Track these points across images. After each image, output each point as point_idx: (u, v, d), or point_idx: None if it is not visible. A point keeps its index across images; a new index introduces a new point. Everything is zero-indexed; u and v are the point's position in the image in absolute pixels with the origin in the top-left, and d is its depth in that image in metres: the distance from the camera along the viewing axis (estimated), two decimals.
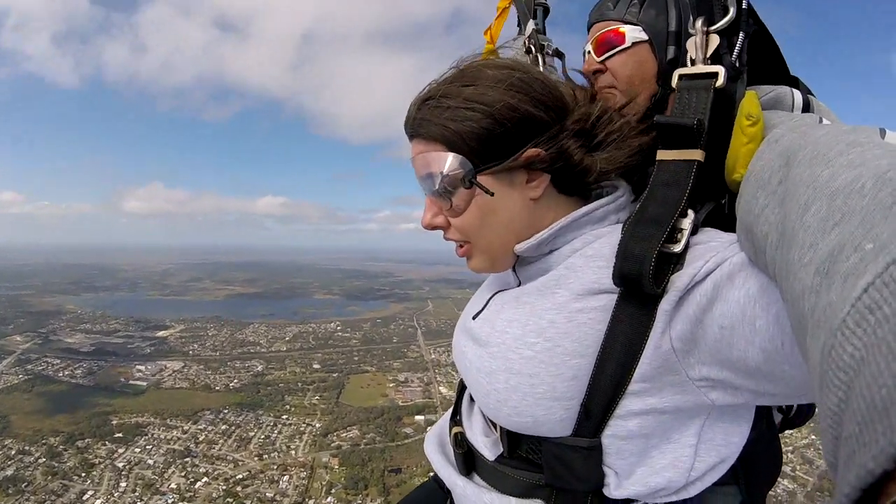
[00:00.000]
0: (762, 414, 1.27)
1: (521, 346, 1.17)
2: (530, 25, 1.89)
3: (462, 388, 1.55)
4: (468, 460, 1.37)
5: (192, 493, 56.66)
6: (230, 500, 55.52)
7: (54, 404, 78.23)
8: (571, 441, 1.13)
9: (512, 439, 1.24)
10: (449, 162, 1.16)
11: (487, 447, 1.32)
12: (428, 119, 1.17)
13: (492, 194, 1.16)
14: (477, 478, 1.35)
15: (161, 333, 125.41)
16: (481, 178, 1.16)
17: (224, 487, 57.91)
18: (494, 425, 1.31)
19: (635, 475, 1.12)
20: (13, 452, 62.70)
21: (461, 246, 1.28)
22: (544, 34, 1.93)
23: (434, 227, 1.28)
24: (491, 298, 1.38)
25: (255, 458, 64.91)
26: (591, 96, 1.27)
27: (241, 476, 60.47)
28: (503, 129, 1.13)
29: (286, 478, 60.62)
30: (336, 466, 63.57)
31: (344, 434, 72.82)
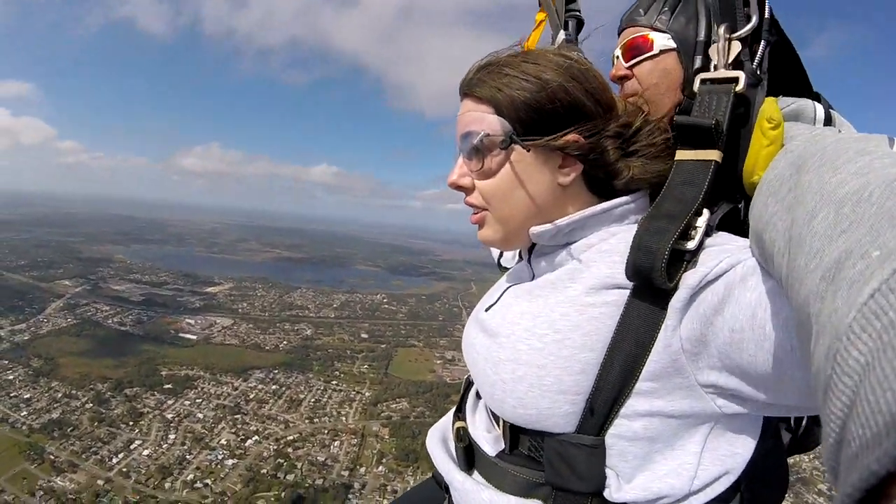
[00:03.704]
0: (770, 430, 1.28)
1: (531, 337, 1.18)
2: (561, 36, 1.96)
3: (468, 384, 1.54)
4: (469, 456, 1.36)
5: (242, 451, 55.35)
6: (281, 461, 53.93)
7: (103, 350, 77.87)
8: (575, 438, 1.12)
9: (514, 435, 1.23)
10: (492, 123, 1.19)
11: (489, 442, 1.31)
12: (483, 80, 1.21)
13: (529, 145, 1.17)
14: (476, 474, 1.34)
15: (210, 289, 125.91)
16: (518, 148, 1.19)
17: (275, 448, 56.70)
18: (497, 420, 1.30)
19: (637, 479, 1.11)
20: (59, 395, 62.07)
21: (477, 213, 1.30)
22: (576, 44, 1.97)
23: (458, 187, 1.30)
24: (504, 292, 1.40)
25: (306, 421, 63.94)
26: (638, 109, 1.29)
27: (291, 437, 59.46)
28: (552, 107, 1.16)
29: (337, 443, 59.51)
30: (386, 437, 62.30)
31: (394, 405, 71.85)
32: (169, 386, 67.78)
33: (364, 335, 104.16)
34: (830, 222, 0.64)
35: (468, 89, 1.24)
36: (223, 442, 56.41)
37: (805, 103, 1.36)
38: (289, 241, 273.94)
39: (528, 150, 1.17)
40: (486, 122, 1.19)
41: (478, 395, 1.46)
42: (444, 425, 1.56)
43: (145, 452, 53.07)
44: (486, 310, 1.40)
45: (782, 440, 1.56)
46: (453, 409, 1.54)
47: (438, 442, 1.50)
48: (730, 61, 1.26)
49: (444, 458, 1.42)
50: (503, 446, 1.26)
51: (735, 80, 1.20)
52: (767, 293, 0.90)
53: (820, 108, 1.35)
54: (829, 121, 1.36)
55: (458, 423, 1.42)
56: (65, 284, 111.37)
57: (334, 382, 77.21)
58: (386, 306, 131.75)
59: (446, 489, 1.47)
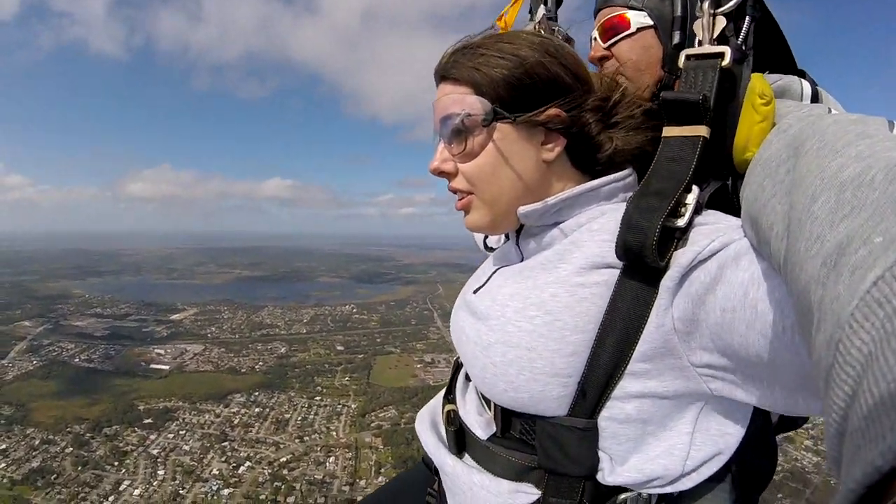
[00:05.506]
0: (759, 411, 1.27)
1: (521, 318, 1.16)
2: (541, 11, 1.92)
3: (457, 366, 1.54)
4: (459, 439, 1.35)
5: (236, 479, 54.11)
6: (279, 484, 52.88)
7: (74, 389, 75.09)
8: (567, 421, 1.11)
9: (506, 418, 1.22)
10: (472, 103, 1.17)
11: (480, 426, 1.30)
12: (460, 62, 1.19)
13: (512, 120, 1.16)
14: (468, 458, 1.33)
15: (175, 316, 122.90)
16: (500, 126, 1.17)
17: (269, 471, 55.57)
18: (488, 404, 1.29)
19: (630, 461, 1.11)
20: (37, 442, 59.52)
21: (462, 198, 1.27)
22: (556, 21, 1.95)
23: (441, 173, 1.27)
24: (493, 273, 1.38)
25: (297, 441, 62.88)
26: (614, 83, 1.29)
27: (285, 459, 58.31)
28: (531, 83, 1.15)
29: (332, 459, 58.82)
30: (381, 446, 61.77)
31: (382, 414, 71.42)
32: (149, 420, 65.75)
33: (340, 347, 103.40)
34: (831, 207, 0.63)
35: (444, 72, 1.22)
36: (215, 472, 55.07)
37: (791, 80, 1.36)
38: (247, 261, 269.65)
39: (515, 123, 1.16)
40: (466, 102, 1.16)
41: (467, 378, 1.46)
42: (434, 408, 1.55)
43: (136, 492, 51.44)
44: (474, 292, 1.37)
45: (771, 419, 1.60)
46: (442, 392, 1.53)
47: (428, 425, 1.48)
48: (714, 37, 1.24)
49: (434, 441, 1.40)
50: (494, 429, 1.25)
51: (721, 56, 1.17)
52: (760, 274, 0.88)
53: (807, 85, 1.36)
54: (816, 98, 1.36)
55: (448, 406, 1.42)
56: (25, 326, 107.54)
57: (318, 398, 76.34)
58: (357, 316, 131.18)
59: (436, 472, 1.47)
